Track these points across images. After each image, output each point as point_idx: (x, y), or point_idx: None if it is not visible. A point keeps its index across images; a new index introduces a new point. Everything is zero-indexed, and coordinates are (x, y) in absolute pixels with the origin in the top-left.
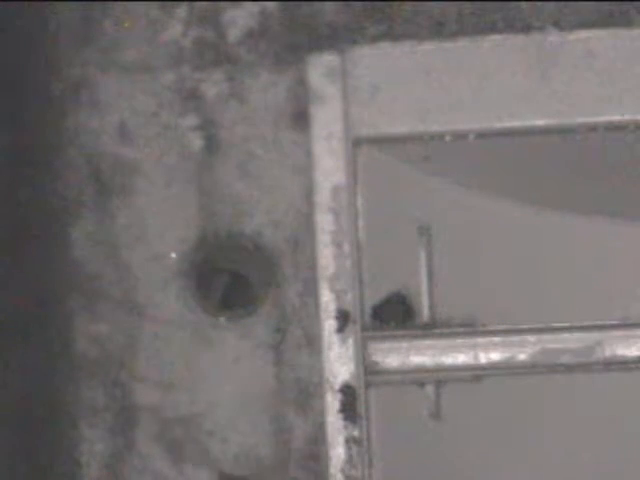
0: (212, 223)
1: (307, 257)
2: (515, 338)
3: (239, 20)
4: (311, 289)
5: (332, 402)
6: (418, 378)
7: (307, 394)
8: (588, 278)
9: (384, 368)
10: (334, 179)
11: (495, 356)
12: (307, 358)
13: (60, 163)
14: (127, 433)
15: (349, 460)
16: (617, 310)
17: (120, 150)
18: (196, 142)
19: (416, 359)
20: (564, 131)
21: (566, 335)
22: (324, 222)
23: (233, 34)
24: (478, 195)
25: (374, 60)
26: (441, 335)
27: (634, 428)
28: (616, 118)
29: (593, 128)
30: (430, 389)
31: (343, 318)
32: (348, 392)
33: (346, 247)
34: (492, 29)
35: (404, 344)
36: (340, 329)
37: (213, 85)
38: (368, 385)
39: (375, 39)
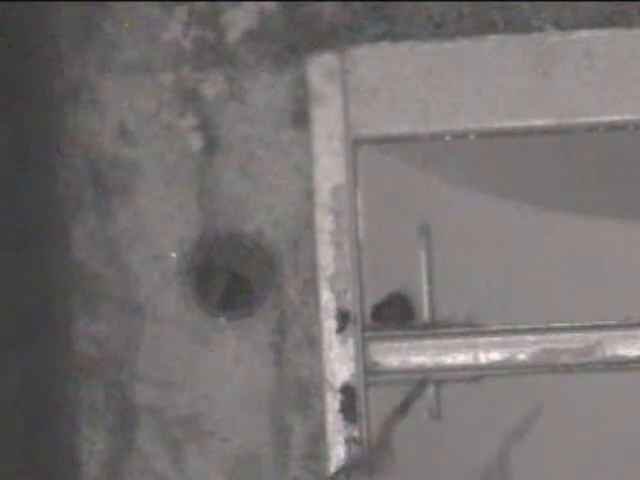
0: (212, 223)
1: (307, 257)
2: (515, 338)
3: (239, 20)
4: (311, 289)
5: (332, 402)
6: (418, 378)
7: (307, 394)
8: (588, 278)
9: (384, 368)
10: (334, 179)
11: (495, 356)
12: (307, 358)
13: (60, 163)
14: (127, 433)
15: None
16: (617, 310)
17: (120, 150)
18: (196, 142)
19: (416, 359)
20: (564, 131)
21: (566, 335)
22: (324, 222)
23: (233, 34)
24: (478, 195)
25: (374, 60)
26: (441, 335)
27: (634, 428)
28: (616, 118)
29: (593, 128)
30: (430, 389)
31: (343, 318)
32: (348, 392)
33: (346, 247)
34: (492, 29)
35: (404, 344)
36: (340, 329)
37: (213, 85)
38: (368, 385)
39: (375, 39)
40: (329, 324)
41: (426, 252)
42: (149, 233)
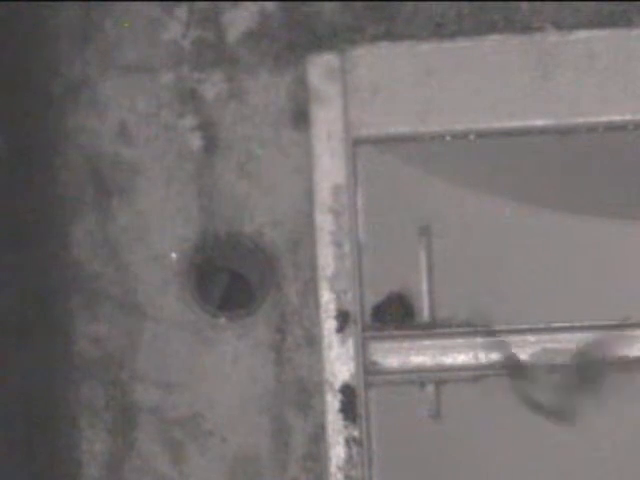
0: (212, 223)
1: (307, 257)
2: (515, 338)
3: (239, 20)
4: (311, 289)
5: (332, 402)
6: (418, 378)
7: (307, 394)
8: (588, 278)
9: (384, 368)
10: (334, 179)
11: (495, 356)
12: (307, 358)
13: (60, 163)
14: (127, 433)
15: (349, 460)
16: (617, 310)
17: (120, 150)
18: (196, 142)
19: (416, 359)
20: (564, 131)
21: (566, 335)
22: (324, 222)
23: (233, 34)
24: (478, 195)
25: (374, 60)
26: (441, 335)
27: (634, 428)
28: (616, 118)
29: (593, 128)
30: (430, 389)
31: (343, 318)
32: (348, 392)
33: (346, 247)
34: (492, 29)
35: (404, 344)
36: (340, 329)
37: (213, 85)
38: (368, 385)
39: (375, 39)
40: (329, 324)
41: (426, 252)
42: (149, 233)
